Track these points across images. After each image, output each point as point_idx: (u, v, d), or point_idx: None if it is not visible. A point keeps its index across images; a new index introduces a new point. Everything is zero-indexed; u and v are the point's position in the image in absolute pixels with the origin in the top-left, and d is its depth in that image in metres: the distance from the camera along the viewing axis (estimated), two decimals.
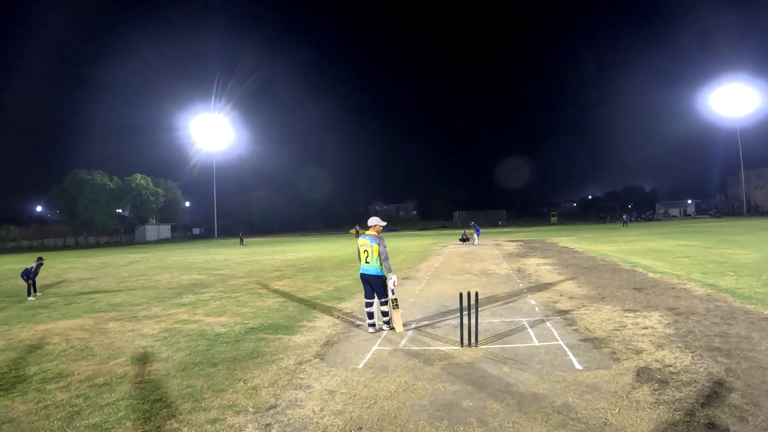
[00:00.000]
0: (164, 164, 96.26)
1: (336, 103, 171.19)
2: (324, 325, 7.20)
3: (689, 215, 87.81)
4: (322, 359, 5.37)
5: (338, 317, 7.75)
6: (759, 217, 59.87)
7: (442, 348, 5.63)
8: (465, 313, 5.76)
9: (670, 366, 4.61)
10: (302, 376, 4.80)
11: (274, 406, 4.01)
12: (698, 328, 5.97)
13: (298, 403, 4.07)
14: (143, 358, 5.64)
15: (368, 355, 5.46)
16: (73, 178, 60.39)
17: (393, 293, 6.55)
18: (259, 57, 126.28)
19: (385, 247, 6.53)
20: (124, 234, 67.05)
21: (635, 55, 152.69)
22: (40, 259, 12.50)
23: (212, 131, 72.02)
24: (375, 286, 6.55)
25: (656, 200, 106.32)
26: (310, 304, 9.00)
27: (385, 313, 6.69)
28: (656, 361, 4.79)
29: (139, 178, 64.53)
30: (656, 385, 4.14)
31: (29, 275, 11.63)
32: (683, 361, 4.73)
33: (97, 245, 57.28)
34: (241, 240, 42.30)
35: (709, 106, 72.70)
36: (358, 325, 7.06)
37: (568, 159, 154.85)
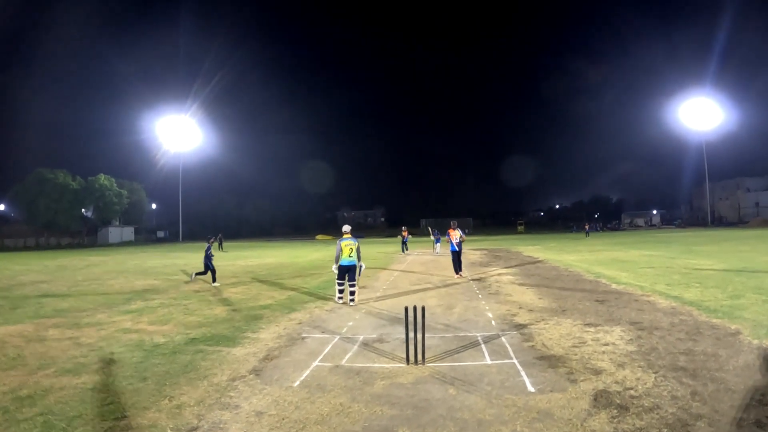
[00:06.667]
0: (130, 166, 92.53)
1: (304, 110, 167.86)
2: (268, 336, 6.70)
3: (654, 225, 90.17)
4: (257, 375, 4.95)
5: (284, 329, 7.21)
6: (723, 228, 61.67)
7: (386, 365, 5.15)
8: (412, 328, 5.29)
9: (631, 389, 4.20)
10: (232, 394, 4.40)
11: (195, 429, 3.64)
12: (662, 345, 5.62)
13: (221, 425, 3.71)
14: (73, 370, 5.23)
15: (307, 372, 5.01)
16: (36, 177, 57.85)
17: (360, 272, 9.52)
18: (226, 60, 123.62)
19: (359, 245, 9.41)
20: (86, 236, 64.61)
21: (604, 69, 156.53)
22: (210, 238, 14.11)
23: (179, 133, 70.06)
24: (351, 272, 9.20)
25: (622, 210, 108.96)
26: (259, 314, 8.44)
27: (352, 293, 9.26)
28: (616, 382, 4.38)
29: (103, 179, 62.32)
30: (615, 411, 3.72)
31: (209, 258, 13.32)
32: (645, 383, 4.33)
33: (59, 246, 54.82)
34: (221, 245, 36.73)
35: (676, 119, 74.49)
36: (303, 338, 6.56)
37: (535, 170, 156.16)
